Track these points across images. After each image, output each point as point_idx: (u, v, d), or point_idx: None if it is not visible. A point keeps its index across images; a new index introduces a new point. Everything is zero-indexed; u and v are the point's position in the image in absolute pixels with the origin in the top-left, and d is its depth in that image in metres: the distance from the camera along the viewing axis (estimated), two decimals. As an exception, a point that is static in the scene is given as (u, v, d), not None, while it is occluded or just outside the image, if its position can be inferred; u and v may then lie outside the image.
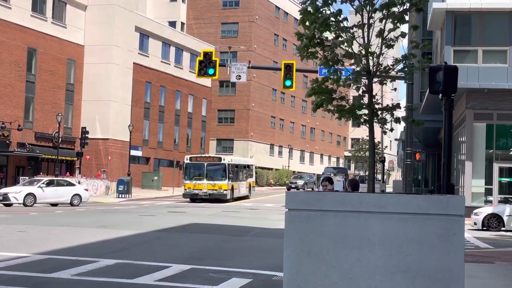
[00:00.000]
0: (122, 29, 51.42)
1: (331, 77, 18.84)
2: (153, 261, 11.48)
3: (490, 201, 25.89)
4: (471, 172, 26.28)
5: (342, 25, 18.07)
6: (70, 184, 32.82)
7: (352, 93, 20.99)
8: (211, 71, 28.20)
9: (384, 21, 17.84)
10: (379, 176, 57.78)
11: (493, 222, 21.75)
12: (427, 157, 41.44)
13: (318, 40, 18.08)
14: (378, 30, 18.06)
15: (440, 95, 11.07)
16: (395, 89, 20.58)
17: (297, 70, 29.57)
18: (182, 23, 70.83)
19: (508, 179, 26.81)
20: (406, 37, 19.36)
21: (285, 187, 64.63)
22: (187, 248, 14.18)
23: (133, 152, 50.58)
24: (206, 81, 62.79)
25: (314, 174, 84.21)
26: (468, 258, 10.94)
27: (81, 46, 50.14)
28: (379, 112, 19.30)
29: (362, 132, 70.79)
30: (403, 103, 26.29)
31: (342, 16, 17.94)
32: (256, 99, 72.94)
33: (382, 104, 19.68)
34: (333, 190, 11.01)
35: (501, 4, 25.95)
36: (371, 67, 18.32)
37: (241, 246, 15.00)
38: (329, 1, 17.83)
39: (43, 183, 31.13)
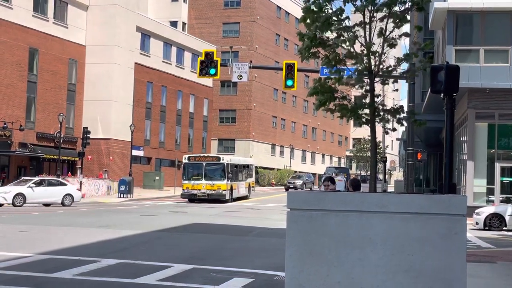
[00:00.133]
0: (123, 29, 51.45)
1: (333, 76, 18.82)
2: (154, 261, 11.49)
3: (492, 201, 25.87)
4: (473, 172, 26.25)
5: (344, 24, 18.05)
6: (62, 184, 32.16)
7: (354, 92, 20.98)
8: (212, 71, 28.20)
9: (385, 20, 17.82)
10: (380, 176, 57.76)
11: (495, 221, 21.74)
12: (428, 157, 41.42)
13: (320, 40, 18.07)
14: (379, 29, 18.04)
15: (442, 94, 11.05)
16: (396, 90, 20.56)
17: (298, 70, 29.56)
18: (184, 23, 70.85)
19: (510, 179, 26.78)
20: (408, 37, 19.34)
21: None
22: (189, 248, 14.18)
23: (135, 152, 50.62)
24: (207, 81, 62.80)
25: (315, 174, 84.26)
26: (470, 258, 10.93)
27: (82, 46, 50.19)
28: (381, 112, 19.27)
29: (363, 132, 70.80)
30: (404, 103, 26.28)
31: (344, 15, 17.93)
32: (257, 99, 72.94)
33: (386, 105, 19.64)
34: (335, 190, 11.00)
35: (503, 4, 25.92)
36: (373, 67, 18.30)
37: (242, 246, 15.00)
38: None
39: (33, 183, 30.57)
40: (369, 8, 17.76)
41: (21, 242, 14.42)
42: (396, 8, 18.09)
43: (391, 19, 17.95)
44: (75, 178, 41.51)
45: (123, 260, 11.51)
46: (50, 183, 31.56)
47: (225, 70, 32.41)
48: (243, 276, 10.10)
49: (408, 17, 19.23)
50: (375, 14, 17.94)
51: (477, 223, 21.90)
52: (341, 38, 18.27)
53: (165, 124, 59.13)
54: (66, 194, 31.21)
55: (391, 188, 62.87)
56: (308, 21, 17.84)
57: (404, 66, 20.95)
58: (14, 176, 43.45)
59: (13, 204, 29.33)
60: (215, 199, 36.00)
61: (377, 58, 18.20)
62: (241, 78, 30.18)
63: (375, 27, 18.07)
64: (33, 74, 45.50)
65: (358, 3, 17.97)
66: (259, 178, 72.17)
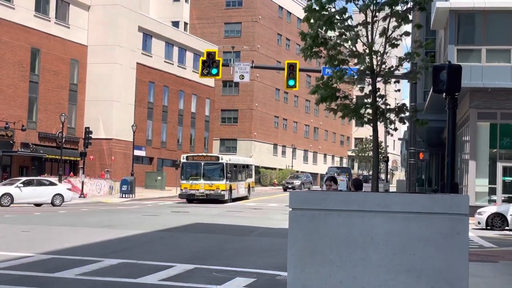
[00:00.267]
0: (125, 29, 51.48)
1: (335, 75, 18.83)
2: (156, 260, 11.49)
3: (494, 201, 25.84)
4: (475, 172, 26.23)
5: (346, 23, 18.07)
6: (52, 184, 31.70)
7: (356, 93, 20.96)
8: (214, 71, 28.21)
9: (388, 19, 17.82)
10: (382, 176, 57.72)
11: (497, 221, 21.72)
12: (430, 157, 41.37)
13: (322, 40, 18.08)
14: (382, 29, 18.04)
15: (444, 94, 11.04)
16: (398, 90, 20.55)
17: (300, 70, 29.56)
18: (185, 23, 70.88)
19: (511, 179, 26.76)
20: (409, 36, 19.33)
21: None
22: (191, 248, 14.18)
23: (137, 152, 50.64)
24: (209, 81, 62.82)
25: (317, 174, 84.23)
26: (472, 257, 10.92)
27: (84, 46, 50.22)
28: (384, 111, 19.27)
29: (365, 131, 70.78)
30: (406, 102, 26.23)
31: (346, 15, 17.94)
32: (259, 99, 72.94)
33: (389, 105, 19.64)
34: (337, 190, 10.99)
35: (505, 3, 25.89)
36: (375, 66, 18.30)
37: (244, 245, 15.00)
38: None
39: (21, 183, 30.19)
40: (371, 7, 17.76)
41: (23, 242, 14.44)
42: (398, 8, 18.10)
43: (393, 19, 17.96)
44: (77, 178, 41.55)
45: (125, 260, 11.51)
46: (39, 183, 31.14)
47: (227, 70, 32.41)
48: (245, 276, 10.09)
49: (410, 17, 19.23)
50: (377, 14, 17.95)
51: (479, 223, 21.89)
52: (343, 37, 18.29)
53: (167, 124, 59.15)
54: (56, 194, 30.73)
55: (393, 188, 62.84)
56: (311, 21, 17.86)
57: (406, 66, 20.95)
58: (16, 176, 43.50)
59: (0, 204, 28.86)
60: (214, 199, 35.26)
61: (379, 58, 18.20)
62: (243, 78, 30.19)
63: (377, 26, 18.08)
64: (35, 74, 45.55)
65: (360, 2, 17.98)
66: (261, 178, 72.14)
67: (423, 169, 44.83)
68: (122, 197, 40.28)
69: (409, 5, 18.14)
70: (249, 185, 42.25)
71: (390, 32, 18.01)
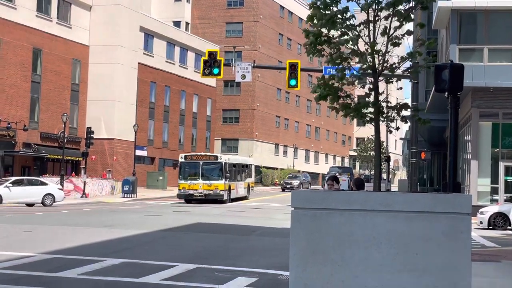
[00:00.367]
0: (126, 29, 51.51)
1: (336, 74, 18.84)
2: (158, 260, 11.49)
3: (496, 200, 25.81)
4: (477, 171, 26.20)
5: (348, 22, 18.07)
6: (42, 183, 31.47)
7: (358, 92, 20.96)
8: (215, 70, 28.21)
9: (389, 19, 17.82)
10: (384, 175, 57.67)
11: (499, 221, 21.70)
12: (432, 156, 41.34)
13: (325, 38, 18.09)
14: (383, 28, 18.04)
15: (446, 93, 11.03)
16: (400, 88, 20.56)
17: (302, 70, 29.54)
18: (187, 23, 70.90)
19: (514, 178, 26.70)
20: (411, 36, 19.33)
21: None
22: (192, 248, 14.19)
23: (138, 152, 50.65)
24: (211, 81, 62.83)
25: (318, 173, 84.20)
26: (474, 257, 10.90)
27: (86, 46, 50.26)
28: (385, 111, 19.27)
29: (367, 131, 70.73)
30: (408, 102, 26.24)
31: (348, 14, 17.94)
32: (261, 99, 72.93)
33: (390, 102, 19.64)
34: (338, 190, 10.99)
35: (507, 3, 25.86)
36: (376, 65, 18.29)
37: (246, 245, 14.99)
38: None
39: (10, 183, 30.02)
40: (373, 6, 17.76)
41: (25, 242, 14.45)
42: (401, 7, 18.09)
43: (395, 18, 17.95)
44: (79, 178, 41.58)
45: (127, 260, 11.52)
46: (29, 183, 30.94)
47: (228, 70, 32.40)
48: (247, 275, 10.09)
49: (412, 16, 19.22)
50: (379, 13, 17.95)
51: (481, 222, 21.86)
52: (345, 36, 18.30)
53: (169, 124, 59.16)
54: (47, 194, 30.43)
55: (394, 187, 62.79)
56: (314, 20, 17.88)
57: (408, 65, 20.93)
58: (18, 177, 43.53)
59: None
60: (213, 199, 34.62)
61: (381, 57, 18.20)
62: (244, 78, 30.18)
63: (379, 25, 18.08)
64: (37, 74, 45.58)
65: (362, 1, 17.98)
66: (263, 178, 72.12)
67: (425, 169, 44.80)
68: (124, 197, 40.30)
69: (411, 4, 18.13)
70: (248, 185, 41.70)
71: (392, 31, 18.00)
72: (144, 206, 31.82)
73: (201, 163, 35.48)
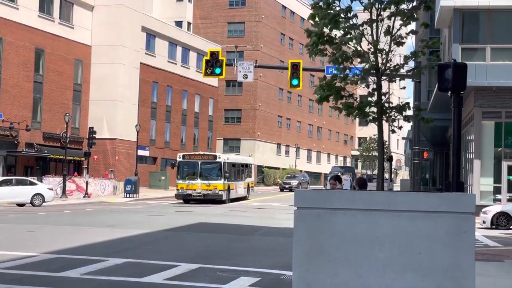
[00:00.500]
0: (128, 29, 51.53)
1: (338, 74, 18.82)
2: (161, 260, 11.49)
3: (499, 200, 25.76)
4: (480, 171, 26.15)
5: (351, 22, 18.06)
6: (32, 183, 31.13)
7: (361, 91, 20.95)
8: (217, 70, 28.21)
9: (393, 18, 17.80)
10: (386, 175, 57.59)
11: (502, 220, 21.66)
12: (434, 156, 41.30)
13: (327, 38, 18.08)
14: (387, 27, 18.02)
15: (449, 92, 11.01)
16: (403, 88, 20.53)
17: (304, 69, 29.50)
18: (189, 23, 70.91)
19: (516, 178, 26.65)
20: (415, 35, 19.30)
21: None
22: (195, 247, 14.18)
23: (140, 152, 50.67)
24: (212, 81, 62.82)
25: (320, 173, 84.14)
26: (477, 257, 10.87)
27: (88, 46, 50.30)
28: (388, 110, 19.25)
29: (369, 131, 70.62)
30: (410, 102, 26.21)
31: (351, 13, 17.92)
32: (262, 99, 72.91)
33: (392, 103, 19.63)
34: (341, 189, 10.98)
35: (510, 2, 25.80)
36: (379, 65, 18.27)
37: (249, 245, 14.99)
38: None
39: None
40: (376, 6, 17.74)
41: (28, 242, 14.46)
42: (404, 6, 18.07)
43: (399, 17, 17.93)
44: (81, 178, 41.62)
45: (130, 260, 11.52)
46: (18, 183, 30.58)
47: (230, 70, 32.38)
48: (249, 275, 10.08)
49: (415, 15, 19.19)
50: (382, 13, 17.93)
51: (484, 222, 21.83)
52: (348, 36, 18.28)
53: (171, 124, 59.18)
54: (36, 194, 29.99)
55: (397, 187, 62.72)
56: (316, 19, 17.86)
57: (411, 65, 20.92)
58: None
59: None
60: (211, 199, 33.90)
61: (384, 56, 18.18)
62: (246, 78, 30.17)
63: (382, 25, 18.07)
64: (39, 75, 45.63)
65: (365, 0, 17.96)
66: (265, 177, 72.09)
67: (427, 168, 44.75)
68: (126, 197, 40.32)
69: (414, 4, 18.11)
70: (248, 185, 40.99)
71: (395, 30, 17.98)
72: (146, 206, 31.82)
73: (199, 162, 34.73)
